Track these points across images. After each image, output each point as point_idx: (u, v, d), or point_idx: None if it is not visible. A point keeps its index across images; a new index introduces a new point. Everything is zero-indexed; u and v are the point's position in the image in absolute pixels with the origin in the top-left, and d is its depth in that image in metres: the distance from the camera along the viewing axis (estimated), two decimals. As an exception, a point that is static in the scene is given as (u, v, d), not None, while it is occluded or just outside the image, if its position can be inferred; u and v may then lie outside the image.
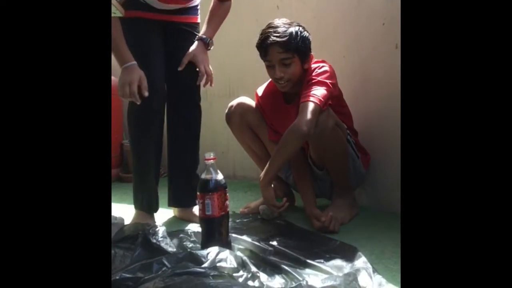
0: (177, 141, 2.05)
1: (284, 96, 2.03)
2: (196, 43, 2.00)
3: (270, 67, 1.92)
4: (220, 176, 1.58)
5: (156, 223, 2.02)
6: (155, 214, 2.06)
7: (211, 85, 2.03)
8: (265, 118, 2.10)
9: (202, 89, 2.10)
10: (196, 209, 2.03)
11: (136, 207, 2.03)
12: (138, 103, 1.80)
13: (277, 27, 1.88)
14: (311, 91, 1.82)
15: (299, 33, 1.87)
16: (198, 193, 1.58)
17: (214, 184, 1.56)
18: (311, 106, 1.78)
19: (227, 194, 1.59)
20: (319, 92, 1.82)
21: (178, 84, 1.99)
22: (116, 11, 1.84)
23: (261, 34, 1.91)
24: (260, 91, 2.10)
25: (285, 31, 1.86)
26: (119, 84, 1.81)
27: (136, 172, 2.02)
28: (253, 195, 2.47)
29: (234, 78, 2.86)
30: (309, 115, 1.76)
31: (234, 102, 2.10)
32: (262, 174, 1.85)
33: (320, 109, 1.80)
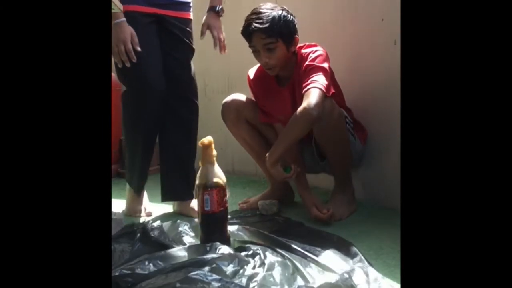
0: (172, 136, 2.07)
1: (276, 79, 2.04)
2: (207, 13, 2.05)
3: (255, 53, 1.94)
4: (219, 171, 1.58)
5: (154, 217, 2.08)
6: (154, 211, 2.12)
7: (224, 51, 2.05)
8: (255, 100, 2.10)
9: (201, 85, 2.10)
10: (194, 203, 2.05)
11: (129, 184, 2.14)
12: (134, 61, 1.85)
13: (260, 13, 1.89)
14: (312, 77, 1.84)
15: (282, 17, 1.89)
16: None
17: (213, 179, 1.56)
18: (316, 91, 1.80)
19: (226, 189, 1.60)
20: (320, 78, 1.84)
21: (174, 82, 2.01)
22: (115, 6, 1.84)
23: (245, 21, 1.93)
24: (251, 73, 2.11)
25: (268, 16, 1.87)
26: (113, 43, 1.86)
27: (129, 154, 2.10)
28: (252, 190, 2.48)
29: (233, 74, 2.86)
30: (316, 100, 1.78)
31: (228, 99, 2.10)
32: (268, 154, 1.86)
33: (324, 94, 1.82)
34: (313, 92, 1.80)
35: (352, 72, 2.16)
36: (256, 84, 2.08)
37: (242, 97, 2.10)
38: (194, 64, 2.11)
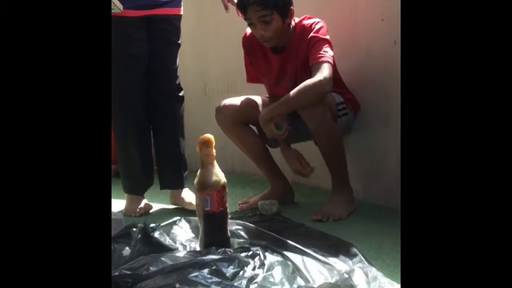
0: (161, 131, 2.18)
1: (271, 47, 2.04)
2: None
3: (251, 25, 1.96)
4: (218, 171, 1.58)
5: (154, 211, 2.15)
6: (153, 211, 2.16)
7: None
8: (245, 57, 2.13)
9: (201, 85, 2.11)
10: (185, 193, 2.16)
11: (125, 191, 2.19)
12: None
13: None
14: (320, 50, 1.89)
15: None
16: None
17: (213, 180, 1.56)
18: (327, 66, 1.87)
19: (226, 189, 1.60)
20: (327, 52, 1.90)
21: (159, 79, 2.11)
22: (115, 6, 1.85)
23: None
24: (248, 31, 2.10)
25: None
26: None
27: (120, 159, 2.22)
28: (252, 190, 2.47)
29: (233, 73, 2.86)
30: (329, 74, 1.85)
31: (221, 105, 2.09)
32: (265, 110, 1.90)
33: (332, 67, 1.89)
34: (326, 67, 1.86)
35: (351, 72, 2.15)
36: (251, 44, 2.09)
37: (236, 101, 2.09)
38: (193, 64, 2.15)
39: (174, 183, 2.21)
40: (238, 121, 2.08)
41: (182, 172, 2.20)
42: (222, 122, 2.09)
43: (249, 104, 2.11)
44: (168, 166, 2.20)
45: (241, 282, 1.22)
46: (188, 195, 2.16)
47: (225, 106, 2.08)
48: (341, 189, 1.98)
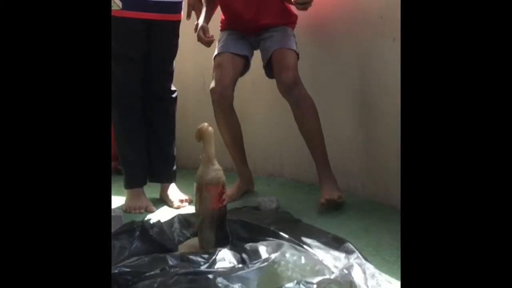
0: (153, 130, 2.23)
1: None
2: None
3: None
4: (218, 169, 1.58)
5: (154, 210, 2.15)
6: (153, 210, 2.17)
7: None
8: None
9: (201, 80, 2.10)
10: (171, 190, 2.22)
11: (125, 187, 2.22)
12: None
13: None
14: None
15: None
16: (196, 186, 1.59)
17: (212, 177, 1.56)
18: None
19: (225, 187, 1.60)
20: None
21: (154, 81, 2.16)
22: (114, 4, 1.86)
23: None
24: None
25: None
26: None
27: (119, 155, 2.27)
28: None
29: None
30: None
31: (215, 87, 2.08)
32: None
33: None
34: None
35: (350, 71, 2.15)
36: None
37: (222, 75, 2.09)
38: (193, 61, 2.19)
39: (163, 177, 2.27)
40: (231, 100, 2.10)
41: (172, 168, 2.27)
42: (220, 105, 2.09)
43: (232, 67, 2.12)
44: (160, 161, 2.26)
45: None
46: (173, 193, 2.22)
47: (219, 86, 2.07)
48: (329, 174, 2.02)
